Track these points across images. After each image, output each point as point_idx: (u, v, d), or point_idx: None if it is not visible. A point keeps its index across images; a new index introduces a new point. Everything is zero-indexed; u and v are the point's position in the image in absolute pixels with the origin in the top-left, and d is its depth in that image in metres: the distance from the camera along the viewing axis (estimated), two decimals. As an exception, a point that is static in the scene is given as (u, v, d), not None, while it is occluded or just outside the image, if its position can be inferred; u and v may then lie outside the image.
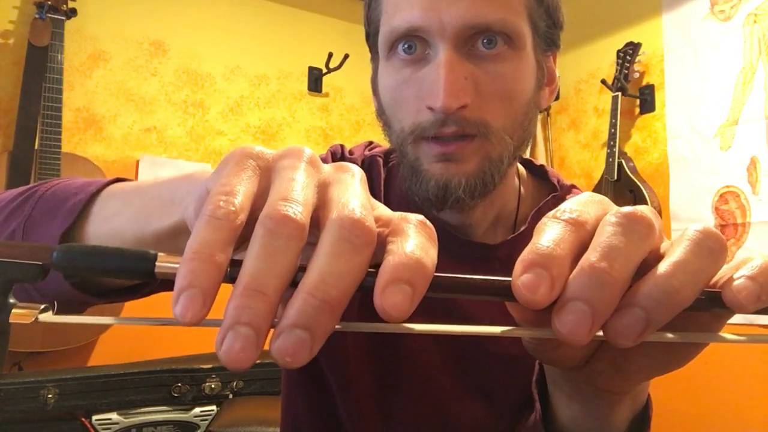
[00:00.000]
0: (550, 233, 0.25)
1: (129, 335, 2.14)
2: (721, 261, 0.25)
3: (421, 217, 0.25)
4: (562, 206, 0.27)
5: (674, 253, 0.25)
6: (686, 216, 2.20)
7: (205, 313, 0.21)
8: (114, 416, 1.69)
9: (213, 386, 1.83)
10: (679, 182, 2.24)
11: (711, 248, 0.25)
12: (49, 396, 1.61)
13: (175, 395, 1.78)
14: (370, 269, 0.23)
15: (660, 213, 2.27)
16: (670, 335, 0.25)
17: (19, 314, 0.22)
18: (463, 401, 0.61)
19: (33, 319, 0.22)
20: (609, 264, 0.23)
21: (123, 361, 1.88)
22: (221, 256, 0.22)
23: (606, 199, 0.28)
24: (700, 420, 2.11)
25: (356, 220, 0.23)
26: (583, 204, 0.27)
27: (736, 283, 0.24)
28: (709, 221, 2.12)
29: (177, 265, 0.22)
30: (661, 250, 0.27)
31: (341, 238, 0.22)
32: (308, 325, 0.21)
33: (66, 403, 1.64)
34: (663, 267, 0.24)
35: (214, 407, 1.83)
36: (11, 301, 0.22)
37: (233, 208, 0.23)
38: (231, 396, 1.87)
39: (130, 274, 0.22)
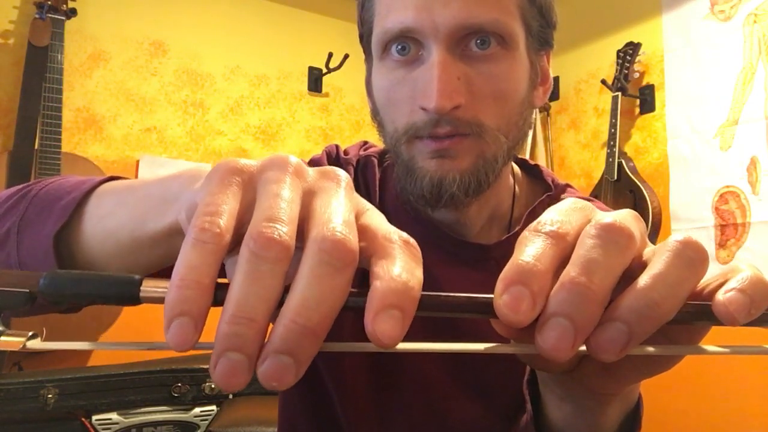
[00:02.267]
0: (530, 248, 0.25)
1: (129, 335, 2.14)
2: (701, 271, 0.25)
3: (405, 235, 0.25)
4: (543, 217, 0.27)
5: (654, 265, 0.25)
6: (686, 216, 2.20)
7: (197, 338, 0.22)
8: (114, 416, 1.70)
9: (213, 386, 1.83)
10: (679, 182, 2.24)
11: (691, 258, 0.25)
12: (49, 396, 1.61)
13: (175, 395, 1.78)
14: (353, 289, 0.23)
15: (660, 213, 2.27)
16: (651, 348, 0.26)
17: (7, 342, 0.22)
18: (460, 401, 0.61)
19: (21, 346, 0.22)
20: (589, 278, 0.23)
21: (123, 361, 1.88)
22: (208, 281, 0.22)
23: (589, 205, 0.28)
24: (701, 421, 2.11)
25: (336, 241, 0.22)
26: (564, 214, 0.27)
27: (726, 296, 0.24)
28: (709, 221, 2.12)
29: (162, 290, 0.22)
30: (644, 257, 0.27)
31: (321, 261, 0.22)
32: (291, 351, 0.21)
33: (66, 403, 1.64)
34: (643, 280, 0.24)
35: (214, 407, 1.83)
36: (0, 328, 0.22)
37: (218, 230, 0.23)
38: (231, 396, 1.87)
39: (116, 300, 0.23)
